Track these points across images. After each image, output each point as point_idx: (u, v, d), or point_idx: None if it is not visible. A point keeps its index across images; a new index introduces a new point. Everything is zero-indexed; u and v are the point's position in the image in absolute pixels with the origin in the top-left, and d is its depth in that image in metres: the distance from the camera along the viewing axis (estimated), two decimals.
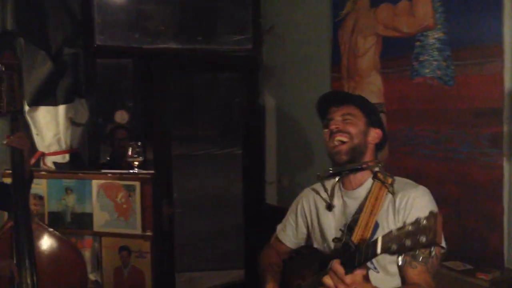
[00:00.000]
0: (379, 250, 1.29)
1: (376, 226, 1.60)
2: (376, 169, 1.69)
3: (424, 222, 1.20)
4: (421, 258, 1.50)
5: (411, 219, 1.50)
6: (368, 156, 1.71)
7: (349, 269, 1.33)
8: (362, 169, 1.69)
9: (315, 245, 1.83)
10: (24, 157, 2.20)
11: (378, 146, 1.76)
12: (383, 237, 1.30)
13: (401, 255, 1.48)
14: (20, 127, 2.24)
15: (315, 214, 1.82)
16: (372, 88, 2.79)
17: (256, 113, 3.95)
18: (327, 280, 1.35)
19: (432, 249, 1.33)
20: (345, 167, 1.69)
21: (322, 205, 1.79)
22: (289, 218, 1.94)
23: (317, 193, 1.83)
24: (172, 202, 3.68)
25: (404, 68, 2.58)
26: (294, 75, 3.61)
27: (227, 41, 3.99)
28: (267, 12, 3.86)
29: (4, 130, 3.02)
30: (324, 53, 3.24)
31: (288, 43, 3.67)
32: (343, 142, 1.67)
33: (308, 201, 1.86)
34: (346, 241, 1.56)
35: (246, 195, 4.05)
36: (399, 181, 1.67)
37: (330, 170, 1.74)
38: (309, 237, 1.89)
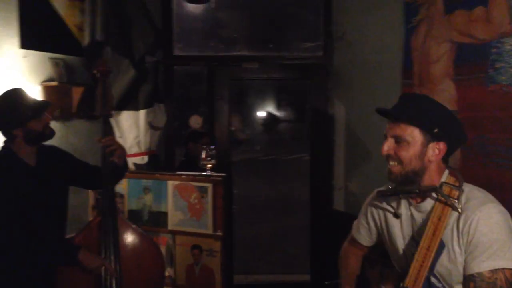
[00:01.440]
0: None
1: (442, 246, 1.55)
2: (433, 194, 1.58)
3: None
4: (485, 284, 1.47)
5: (474, 243, 1.49)
6: (429, 175, 1.59)
7: None
8: (418, 193, 1.60)
9: (386, 247, 1.83)
10: (114, 156, 2.37)
11: (446, 157, 1.62)
12: None
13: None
14: (112, 129, 2.40)
15: (384, 221, 1.79)
16: (445, 96, 2.74)
17: (326, 119, 3.98)
18: None
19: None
20: (401, 189, 1.63)
21: (389, 214, 1.75)
22: (361, 219, 1.92)
23: (381, 203, 1.79)
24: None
25: (479, 75, 2.51)
26: (365, 82, 3.60)
27: (298, 48, 4.05)
28: (339, 19, 3.88)
29: (93, 133, 3.28)
30: (395, 59, 3.21)
31: (359, 50, 3.66)
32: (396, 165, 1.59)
33: (377, 208, 1.83)
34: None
35: (313, 201, 4.08)
36: (469, 194, 1.56)
37: (389, 187, 1.69)
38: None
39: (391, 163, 1.59)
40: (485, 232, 1.48)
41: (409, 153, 1.56)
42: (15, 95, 2.19)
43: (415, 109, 1.57)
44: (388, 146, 1.59)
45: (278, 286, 4.35)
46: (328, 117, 3.97)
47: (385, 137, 1.61)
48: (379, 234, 1.85)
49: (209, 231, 2.80)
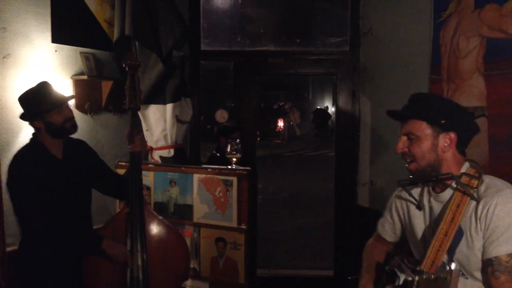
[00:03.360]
0: None
1: (460, 233, 1.57)
2: (453, 184, 1.61)
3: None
4: (503, 267, 1.47)
5: (492, 228, 1.50)
6: (446, 166, 1.63)
7: None
8: (436, 180, 1.64)
9: (408, 239, 1.84)
10: (142, 155, 2.41)
11: (460, 146, 1.64)
12: None
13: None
14: (139, 123, 2.42)
15: (407, 212, 1.82)
16: (474, 91, 2.70)
17: (351, 114, 3.96)
18: None
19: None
20: (419, 178, 1.68)
21: (412, 205, 1.78)
22: (386, 214, 1.95)
23: (405, 195, 1.82)
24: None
25: (509, 70, 2.46)
26: (391, 77, 3.56)
27: (325, 43, 4.03)
28: (366, 14, 3.84)
29: (121, 126, 3.35)
30: (423, 54, 3.17)
31: (386, 45, 3.63)
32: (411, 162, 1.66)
33: (401, 200, 1.86)
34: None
35: (338, 196, 4.07)
36: (488, 183, 1.58)
37: (411, 177, 1.72)
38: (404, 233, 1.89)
39: (407, 160, 1.66)
40: (502, 216, 1.49)
41: (422, 148, 1.62)
42: (37, 88, 2.23)
43: (421, 104, 1.65)
44: (401, 144, 1.66)
45: (301, 280, 4.36)
46: (354, 111, 3.94)
47: (399, 137, 1.69)
48: (403, 227, 1.87)
49: (234, 224, 2.81)
